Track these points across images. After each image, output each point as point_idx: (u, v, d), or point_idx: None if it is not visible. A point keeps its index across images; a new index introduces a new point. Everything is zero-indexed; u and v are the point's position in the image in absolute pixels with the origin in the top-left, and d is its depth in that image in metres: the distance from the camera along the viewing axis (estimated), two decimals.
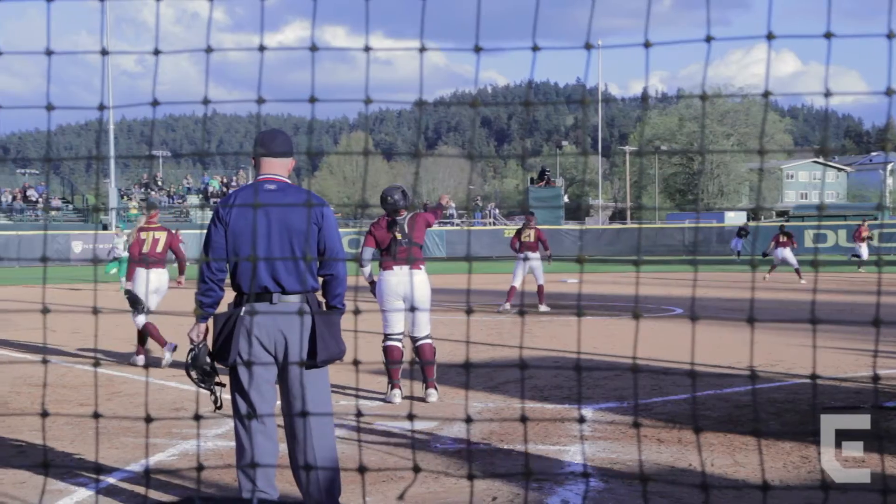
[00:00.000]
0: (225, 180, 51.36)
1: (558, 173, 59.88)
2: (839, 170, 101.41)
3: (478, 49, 2.92)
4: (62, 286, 22.82)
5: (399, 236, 7.79)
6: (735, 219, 51.69)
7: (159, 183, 52.15)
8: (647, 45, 2.82)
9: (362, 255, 7.71)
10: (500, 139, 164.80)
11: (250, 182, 4.77)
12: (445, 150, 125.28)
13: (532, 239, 15.78)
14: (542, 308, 15.60)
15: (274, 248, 4.32)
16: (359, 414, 3.64)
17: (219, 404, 4.44)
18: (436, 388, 7.71)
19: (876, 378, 6.66)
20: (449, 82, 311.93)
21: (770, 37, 2.75)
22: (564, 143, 74.46)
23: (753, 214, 55.54)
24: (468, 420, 3.19)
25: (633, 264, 33.33)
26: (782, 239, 23.31)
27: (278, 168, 4.44)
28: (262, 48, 3.05)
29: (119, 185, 52.41)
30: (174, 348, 9.57)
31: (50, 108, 3.22)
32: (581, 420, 5.25)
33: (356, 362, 3.28)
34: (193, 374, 4.45)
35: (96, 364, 4.06)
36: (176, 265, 10.52)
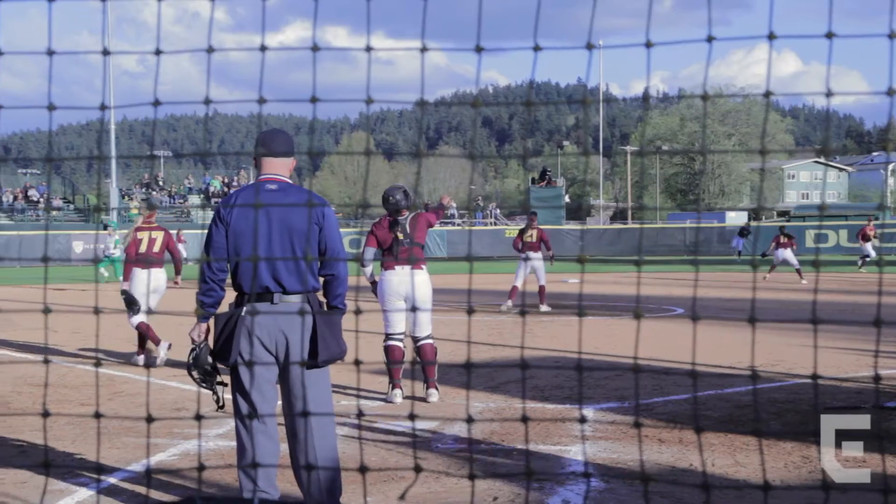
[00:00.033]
0: (226, 180, 51.40)
1: (559, 173, 59.87)
2: (840, 170, 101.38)
3: (479, 49, 2.92)
4: (64, 286, 22.82)
5: (401, 236, 7.79)
6: (736, 219, 51.72)
7: (160, 183, 52.18)
8: (648, 45, 2.83)
9: (364, 255, 7.72)
10: (502, 139, 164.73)
11: (251, 182, 4.77)
12: (447, 150, 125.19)
13: (535, 239, 15.76)
14: (544, 308, 15.60)
15: (275, 248, 4.32)
16: (360, 414, 3.63)
17: (221, 403, 4.45)
18: (437, 388, 7.71)
19: (877, 378, 6.66)
20: (450, 82, 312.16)
21: (771, 37, 2.75)
22: (566, 143, 74.56)
23: (755, 214, 55.55)
24: (469, 420, 3.19)
25: (635, 264, 33.33)
26: (783, 240, 23.33)
27: (279, 168, 4.44)
28: (263, 48, 3.05)
29: (120, 185, 52.43)
30: (169, 346, 9.61)
31: (51, 108, 3.23)
32: (582, 420, 5.24)
33: (357, 362, 3.28)
34: (195, 373, 4.46)
35: (97, 364, 4.07)
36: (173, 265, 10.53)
